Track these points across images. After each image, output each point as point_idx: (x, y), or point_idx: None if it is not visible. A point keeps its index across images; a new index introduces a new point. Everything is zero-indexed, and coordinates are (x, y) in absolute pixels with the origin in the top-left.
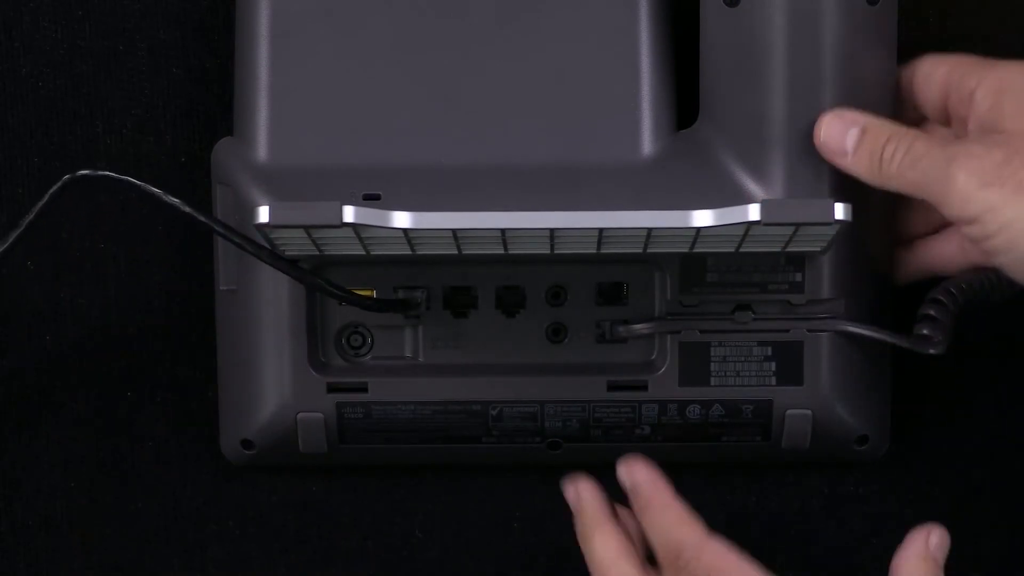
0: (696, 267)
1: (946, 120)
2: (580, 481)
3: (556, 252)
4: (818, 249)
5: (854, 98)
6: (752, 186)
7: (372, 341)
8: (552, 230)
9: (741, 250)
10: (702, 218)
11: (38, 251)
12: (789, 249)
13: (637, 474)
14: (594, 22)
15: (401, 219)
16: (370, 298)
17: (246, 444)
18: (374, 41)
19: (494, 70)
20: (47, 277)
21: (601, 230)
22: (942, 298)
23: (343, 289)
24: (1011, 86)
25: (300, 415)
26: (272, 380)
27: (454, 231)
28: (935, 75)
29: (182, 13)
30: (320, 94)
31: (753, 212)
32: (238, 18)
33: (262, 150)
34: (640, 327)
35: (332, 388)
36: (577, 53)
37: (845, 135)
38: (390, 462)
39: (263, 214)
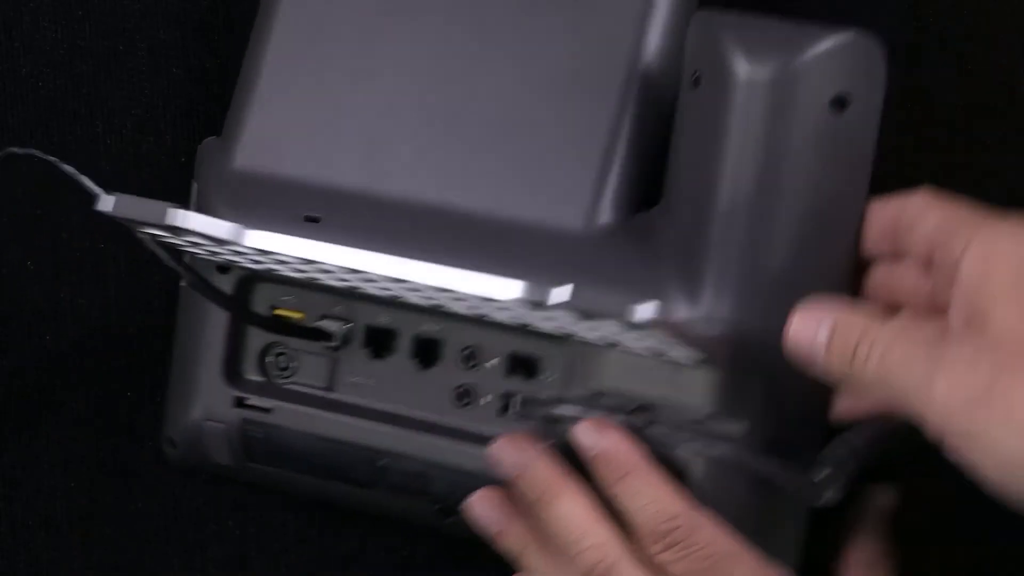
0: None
1: (930, 269)
2: (520, 438)
3: (434, 305)
4: (686, 362)
5: (809, 216)
6: (674, 287)
7: (297, 365)
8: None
9: (619, 348)
10: (494, 288)
11: (38, 251)
12: (667, 357)
13: (608, 437)
14: (574, 81)
15: (220, 229)
16: (269, 318)
17: (170, 442)
18: (365, 71)
19: (470, 113)
20: (47, 277)
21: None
22: (851, 442)
23: (240, 305)
24: (999, 263)
25: (207, 423)
26: (193, 383)
27: (311, 260)
28: (923, 226)
29: (182, 13)
30: (302, 113)
31: (530, 292)
32: (256, 25)
33: (236, 155)
34: (538, 410)
35: (239, 403)
36: (551, 111)
37: (815, 335)
38: (292, 491)
39: (105, 202)
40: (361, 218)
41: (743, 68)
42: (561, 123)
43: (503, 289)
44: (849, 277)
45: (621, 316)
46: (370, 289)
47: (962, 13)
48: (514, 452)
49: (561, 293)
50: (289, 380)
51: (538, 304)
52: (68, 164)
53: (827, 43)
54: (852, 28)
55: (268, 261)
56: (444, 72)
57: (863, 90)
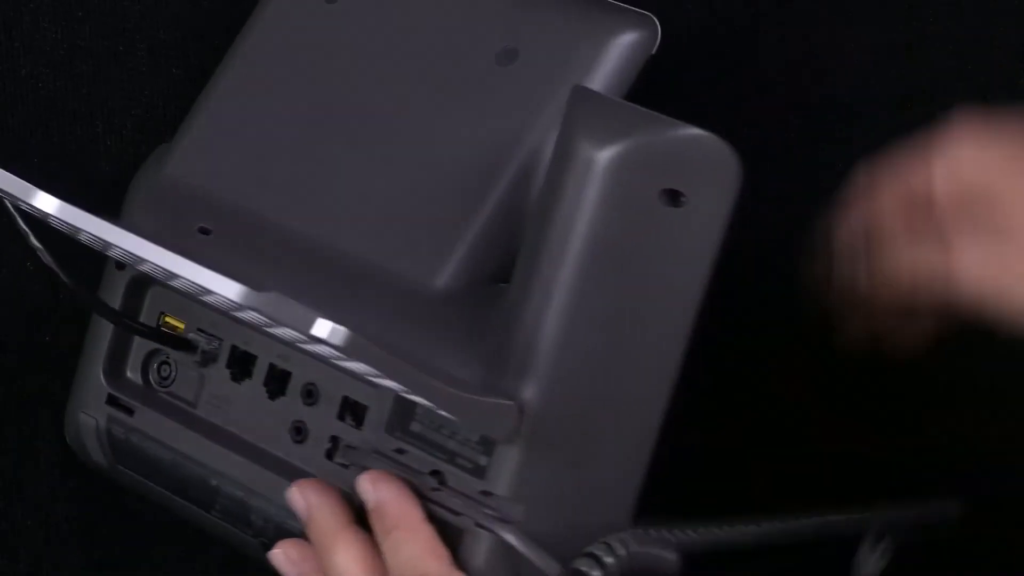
0: (408, 411)
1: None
2: (308, 486)
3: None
4: (454, 419)
5: (629, 309)
6: (487, 357)
7: (175, 376)
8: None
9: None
10: (216, 283)
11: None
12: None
13: (384, 490)
14: (471, 155)
15: (12, 185)
16: (128, 318)
17: (65, 431)
18: (297, 114)
19: (373, 168)
20: (47, 277)
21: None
22: (625, 544)
23: (101, 302)
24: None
25: (82, 415)
26: (81, 374)
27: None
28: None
29: (182, 13)
30: (234, 137)
31: (251, 299)
32: (231, 48)
33: (168, 162)
34: (356, 458)
35: (110, 400)
36: (444, 179)
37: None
38: (154, 502)
39: None
40: (248, 238)
41: (579, 144)
42: (448, 191)
43: (222, 286)
44: (672, 372)
45: (305, 330)
46: (218, 306)
47: (962, 13)
48: (301, 499)
49: (262, 299)
50: (165, 389)
51: (244, 307)
52: (68, 164)
53: (668, 134)
54: (709, 131)
55: (132, 259)
56: (360, 128)
57: (702, 191)
